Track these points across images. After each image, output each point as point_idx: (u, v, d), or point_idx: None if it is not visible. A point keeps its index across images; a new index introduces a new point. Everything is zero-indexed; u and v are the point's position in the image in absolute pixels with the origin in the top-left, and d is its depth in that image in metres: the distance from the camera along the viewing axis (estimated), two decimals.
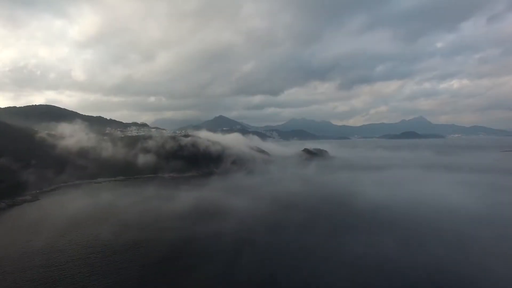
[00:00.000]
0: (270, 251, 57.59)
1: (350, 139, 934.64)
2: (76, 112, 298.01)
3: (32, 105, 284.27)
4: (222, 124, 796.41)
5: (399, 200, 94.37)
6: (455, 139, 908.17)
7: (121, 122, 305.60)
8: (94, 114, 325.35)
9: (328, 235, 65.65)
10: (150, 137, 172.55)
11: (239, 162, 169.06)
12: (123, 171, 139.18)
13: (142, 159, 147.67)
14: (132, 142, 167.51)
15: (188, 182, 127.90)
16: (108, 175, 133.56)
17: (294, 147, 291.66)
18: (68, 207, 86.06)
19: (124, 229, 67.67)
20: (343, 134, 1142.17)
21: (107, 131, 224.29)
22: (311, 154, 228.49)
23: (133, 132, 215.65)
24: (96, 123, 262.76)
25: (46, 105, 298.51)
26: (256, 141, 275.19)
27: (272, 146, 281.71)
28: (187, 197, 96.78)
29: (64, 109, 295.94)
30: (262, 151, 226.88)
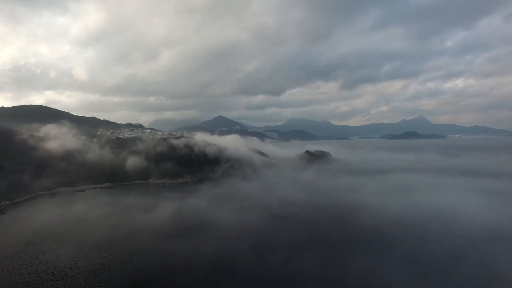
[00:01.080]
0: (251, 280, 47.67)
1: (350, 139, 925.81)
2: (68, 113, 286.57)
3: (21, 106, 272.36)
4: (221, 125, 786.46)
5: (408, 213, 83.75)
6: (456, 139, 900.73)
7: (115, 122, 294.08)
8: (94, 115, 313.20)
9: (324, 259, 55.17)
10: (140, 139, 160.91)
11: (236, 166, 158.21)
12: (110, 177, 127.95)
13: (131, 163, 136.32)
14: (122, 144, 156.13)
15: (178, 189, 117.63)
16: (93, 182, 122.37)
17: (294, 149, 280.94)
18: (34, 221, 75.48)
19: (86, 250, 57.74)
20: (343, 134, 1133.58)
21: (98, 133, 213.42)
22: (313, 156, 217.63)
23: (125, 133, 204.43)
24: (88, 124, 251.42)
25: (36, 105, 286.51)
26: (255, 142, 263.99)
27: (271, 148, 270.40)
28: (169, 207, 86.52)
29: (55, 109, 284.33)
30: (261, 153, 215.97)
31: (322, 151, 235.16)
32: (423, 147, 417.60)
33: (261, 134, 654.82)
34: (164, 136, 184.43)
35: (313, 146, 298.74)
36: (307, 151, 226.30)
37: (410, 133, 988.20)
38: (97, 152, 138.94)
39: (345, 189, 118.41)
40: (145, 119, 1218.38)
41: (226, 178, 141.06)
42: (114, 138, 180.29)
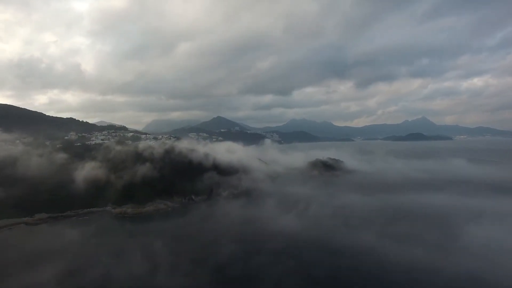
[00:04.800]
0: None
1: (353, 141, 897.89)
2: (41, 113, 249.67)
3: None
4: (220, 126, 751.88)
5: None
6: (464, 141, 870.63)
7: (95, 125, 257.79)
8: (96, 115, 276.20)
9: None
10: (107, 147, 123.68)
11: (229, 182, 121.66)
12: (49, 204, 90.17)
13: (83, 181, 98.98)
14: (81, 153, 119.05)
15: (142, 227, 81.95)
16: (19, 212, 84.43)
17: (300, 154, 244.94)
18: None
19: None
20: (345, 135, 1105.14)
21: (66, 137, 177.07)
22: (325, 166, 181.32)
23: (97, 138, 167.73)
24: (63, 127, 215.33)
25: (3, 104, 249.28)
26: (254, 150, 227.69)
27: (274, 154, 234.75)
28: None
29: (25, 109, 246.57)
30: (262, 162, 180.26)
31: (334, 159, 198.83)
32: (437, 151, 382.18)
33: (261, 136, 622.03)
34: (142, 142, 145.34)
35: (320, 152, 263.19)
36: (317, 160, 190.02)
37: (415, 135, 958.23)
38: (39, 165, 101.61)
39: (372, 226, 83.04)
40: (146, 120, 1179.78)
41: (214, 203, 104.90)
42: (79, 144, 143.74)
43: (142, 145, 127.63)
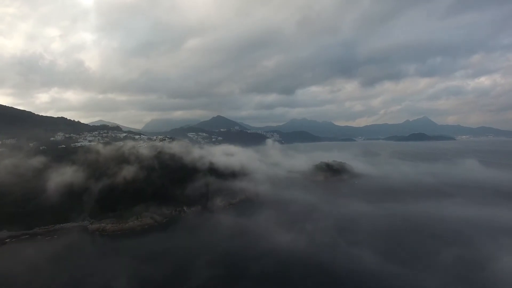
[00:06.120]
0: None
1: (355, 141, 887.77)
2: (30, 112, 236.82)
3: None
4: (220, 125, 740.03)
5: None
6: (466, 141, 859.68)
7: (87, 125, 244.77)
8: (98, 115, 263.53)
9: None
10: (88, 150, 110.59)
11: (224, 190, 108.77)
12: (17, 219, 76.97)
13: (57, 191, 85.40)
14: (61, 158, 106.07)
15: (124, 247, 69.40)
16: None
17: (303, 157, 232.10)
18: None
19: None
20: (346, 135, 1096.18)
21: (52, 138, 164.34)
22: (330, 170, 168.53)
23: (85, 140, 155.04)
24: (48, 127, 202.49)
25: None
26: (254, 151, 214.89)
27: (275, 156, 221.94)
28: None
29: (13, 108, 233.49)
30: (263, 165, 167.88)
31: (339, 162, 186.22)
32: (443, 152, 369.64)
33: (261, 136, 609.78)
34: (130, 144, 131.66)
35: (323, 154, 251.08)
36: (322, 163, 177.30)
37: (418, 135, 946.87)
38: (9, 171, 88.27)
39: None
40: (147, 119, 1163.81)
41: (207, 215, 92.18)
42: (63, 146, 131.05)
43: (129, 147, 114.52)
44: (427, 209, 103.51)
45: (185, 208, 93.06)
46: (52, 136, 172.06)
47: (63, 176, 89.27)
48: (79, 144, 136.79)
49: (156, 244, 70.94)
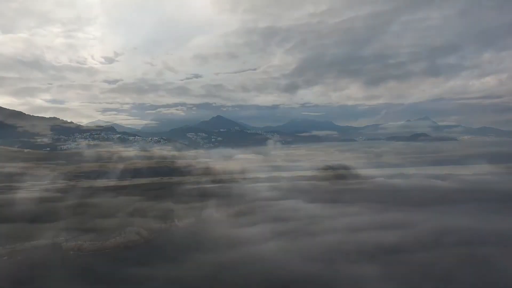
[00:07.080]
0: None
1: (356, 141, 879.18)
2: (21, 112, 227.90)
3: None
4: (220, 125, 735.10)
5: None
6: (469, 141, 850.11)
7: (80, 125, 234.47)
8: (98, 115, 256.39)
9: None
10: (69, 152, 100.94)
11: (220, 198, 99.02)
12: None
13: (30, 202, 73.83)
14: (42, 162, 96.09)
15: (85, 264, 56.40)
16: None
17: (305, 158, 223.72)
18: None
19: None
20: (347, 135, 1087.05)
21: (39, 141, 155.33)
22: (336, 174, 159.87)
23: (73, 141, 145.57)
24: (38, 129, 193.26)
25: None
26: (255, 153, 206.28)
27: (277, 158, 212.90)
28: None
29: (2, 108, 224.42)
30: (263, 169, 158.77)
31: (344, 164, 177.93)
32: (449, 153, 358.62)
33: (262, 136, 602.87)
34: (117, 148, 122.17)
35: (326, 155, 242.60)
36: (327, 166, 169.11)
37: (419, 135, 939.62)
38: None
39: None
40: (147, 119, 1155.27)
41: (200, 227, 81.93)
42: (48, 150, 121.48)
43: (115, 151, 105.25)
44: (443, 218, 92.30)
45: (176, 220, 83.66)
46: (40, 138, 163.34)
47: (38, 182, 79.64)
48: (64, 147, 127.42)
49: (138, 265, 60.57)
